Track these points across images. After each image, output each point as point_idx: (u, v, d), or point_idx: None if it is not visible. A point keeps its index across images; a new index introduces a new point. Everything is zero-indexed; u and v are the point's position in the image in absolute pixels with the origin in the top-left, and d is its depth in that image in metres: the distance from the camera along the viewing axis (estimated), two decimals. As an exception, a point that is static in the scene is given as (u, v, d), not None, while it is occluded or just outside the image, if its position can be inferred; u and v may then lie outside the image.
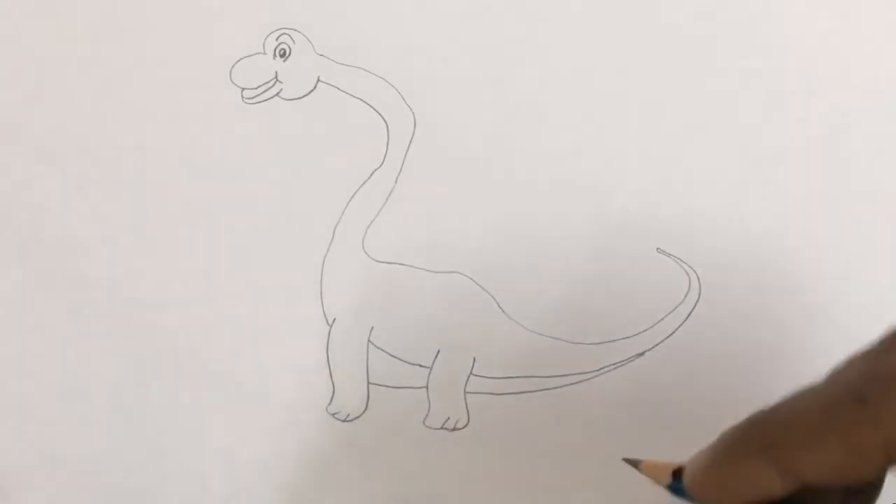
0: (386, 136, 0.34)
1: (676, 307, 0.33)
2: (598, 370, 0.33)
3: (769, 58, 0.35)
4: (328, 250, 0.33)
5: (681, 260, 0.33)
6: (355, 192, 0.34)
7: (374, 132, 0.34)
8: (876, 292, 0.32)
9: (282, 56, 0.34)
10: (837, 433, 0.22)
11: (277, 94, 0.34)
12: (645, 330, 0.33)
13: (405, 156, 0.34)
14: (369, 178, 0.34)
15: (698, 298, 0.33)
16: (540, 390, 0.32)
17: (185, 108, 0.34)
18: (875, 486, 0.24)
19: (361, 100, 0.34)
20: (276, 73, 0.34)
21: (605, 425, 0.32)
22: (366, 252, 0.33)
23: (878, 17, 0.35)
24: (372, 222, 0.34)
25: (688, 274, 0.33)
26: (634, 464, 0.28)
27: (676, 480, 0.27)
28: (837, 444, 0.22)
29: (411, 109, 0.34)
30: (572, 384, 0.32)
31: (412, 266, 0.33)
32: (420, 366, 0.33)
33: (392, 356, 0.33)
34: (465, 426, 0.33)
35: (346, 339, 0.33)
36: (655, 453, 0.32)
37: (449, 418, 0.33)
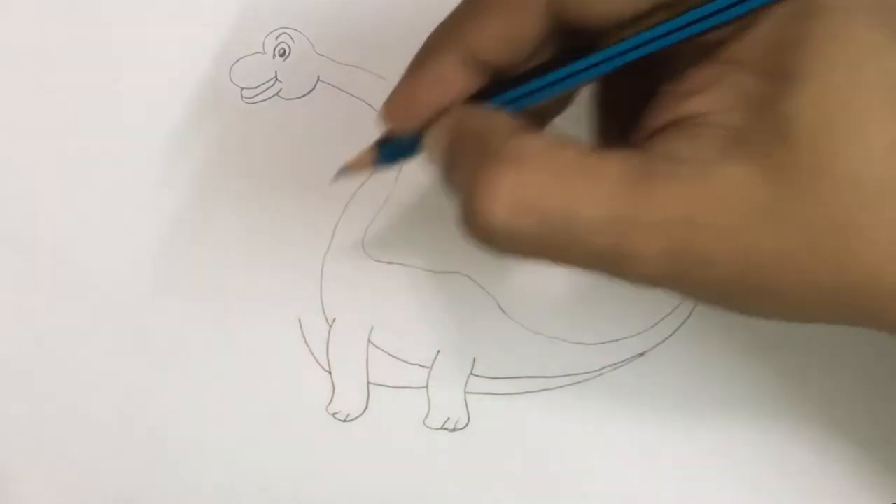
0: (386, 136, 0.34)
1: (677, 307, 0.33)
2: (598, 370, 0.33)
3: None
4: (328, 250, 0.33)
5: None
6: (355, 192, 0.34)
7: (374, 132, 0.34)
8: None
9: (282, 56, 0.34)
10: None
11: (277, 93, 0.34)
12: (645, 330, 0.33)
13: (405, 156, 0.34)
14: (369, 177, 0.34)
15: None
16: (540, 390, 0.32)
17: (185, 107, 0.34)
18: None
19: (361, 100, 0.34)
20: (276, 72, 0.34)
21: (605, 425, 0.32)
22: (366, 252, 0.33)
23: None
24: (372, 222, 0.34)
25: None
26: (343, 171, 0.26)
27: (382, 147, 0.25)
28: (501, 4, 0.22)
29: (411, 109, 0.34)
30: (572, 384, 0.32)
31: (412, 266, 0.33)
32: (420, 366, 0.33)
33: (392, 356, 0.33)
34: (465, 426, 0.33)
35: (346, 339, 0.33)
36: (655, 452, 0.32)
37: (449, 418, 0.33)
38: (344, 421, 0.33)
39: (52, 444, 0.33)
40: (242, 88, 0.34)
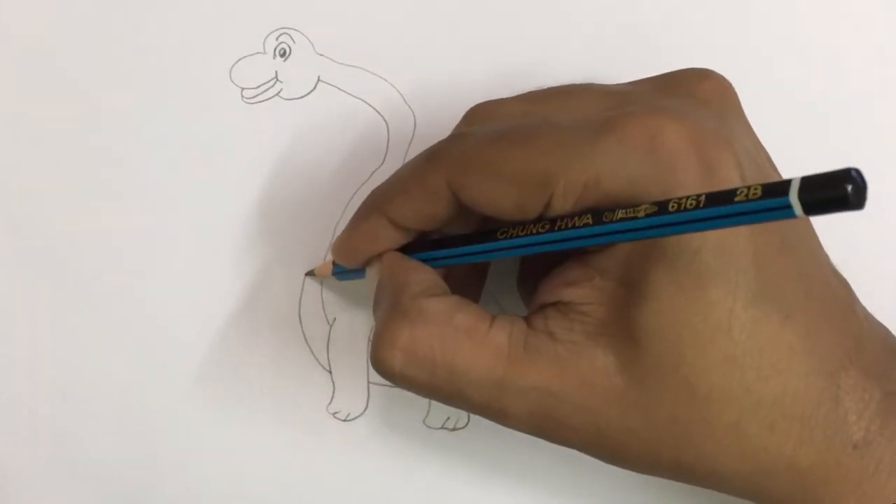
0: (386, 136, 0.34)
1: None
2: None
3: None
4: (328, 250, 0.33)
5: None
6: (355, 192, 0.34)
7: (374, 132, 0.34)
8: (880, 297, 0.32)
9: (282, 56, 0.34)
10: (415, 181, 0.26)
11: (277, 93, 0.34)
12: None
13: (405, 156, 0.34)
14: (369, 178, 0.34)
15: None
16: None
17: (186, 107, 0.34)
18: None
19: (361, 100, 0.34)
20: (276, 72, 0.34)
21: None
22: (366, 252, 0.33)
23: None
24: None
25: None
26: (311, 273, 0.33)
27: (335, 265, 0.31)
28: (416, 190, 0.26)
29: (411, 109, 0.34)
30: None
31: (412, 266, 0.33)
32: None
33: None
34: (465, 426, 0.33)
35: (346, 339, 0.33)
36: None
37: (449, 418, 0.33)
38: (344, 421, 0.33)
39: (52, 443, 0.33)
40: (242, 88, 0.34)
